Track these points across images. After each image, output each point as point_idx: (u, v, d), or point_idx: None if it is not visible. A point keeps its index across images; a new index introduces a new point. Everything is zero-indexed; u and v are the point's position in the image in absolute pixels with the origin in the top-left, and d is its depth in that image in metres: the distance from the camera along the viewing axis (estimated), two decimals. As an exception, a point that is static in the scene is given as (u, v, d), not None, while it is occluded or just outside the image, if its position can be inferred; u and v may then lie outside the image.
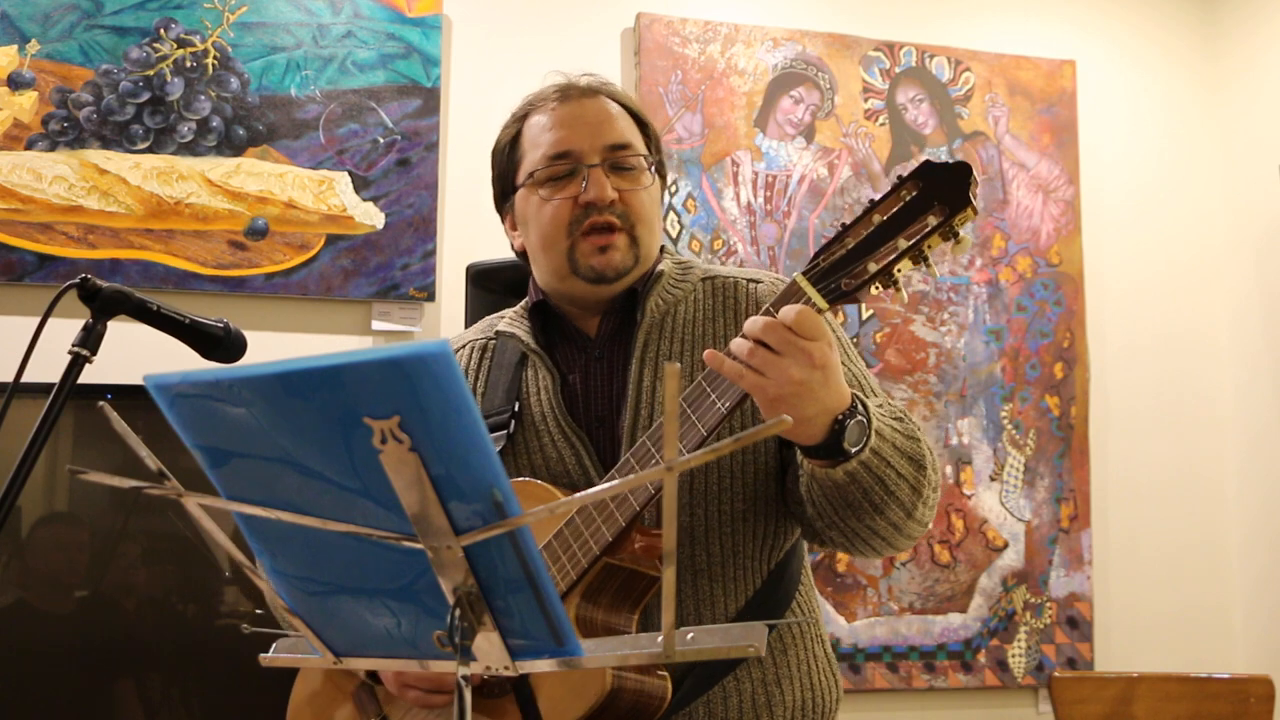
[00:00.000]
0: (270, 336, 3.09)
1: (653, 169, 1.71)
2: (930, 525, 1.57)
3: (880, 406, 1.52)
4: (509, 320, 1.79)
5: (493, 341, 1.80)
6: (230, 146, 3.14)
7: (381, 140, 3.23)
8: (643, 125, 1.74)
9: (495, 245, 3.11)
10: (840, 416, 1.39)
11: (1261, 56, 3.82)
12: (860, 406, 1.42)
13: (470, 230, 3.28)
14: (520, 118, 1.76)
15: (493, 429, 1.68)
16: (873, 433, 1.42)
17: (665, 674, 1.50)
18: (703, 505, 1.60)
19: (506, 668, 1.02)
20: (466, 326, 2.80)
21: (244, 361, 1.59)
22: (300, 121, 3.18)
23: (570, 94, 1.72)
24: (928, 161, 1.34)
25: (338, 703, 1.66)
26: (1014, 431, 3.60)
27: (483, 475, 0.92)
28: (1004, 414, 3.60)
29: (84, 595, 2.77)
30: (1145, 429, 3.76)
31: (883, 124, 3.61)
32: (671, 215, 3.41)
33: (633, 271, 1.67)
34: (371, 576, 1.03)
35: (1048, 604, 3.57)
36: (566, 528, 1.52)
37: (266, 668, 1.22)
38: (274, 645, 1.21)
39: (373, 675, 1.62)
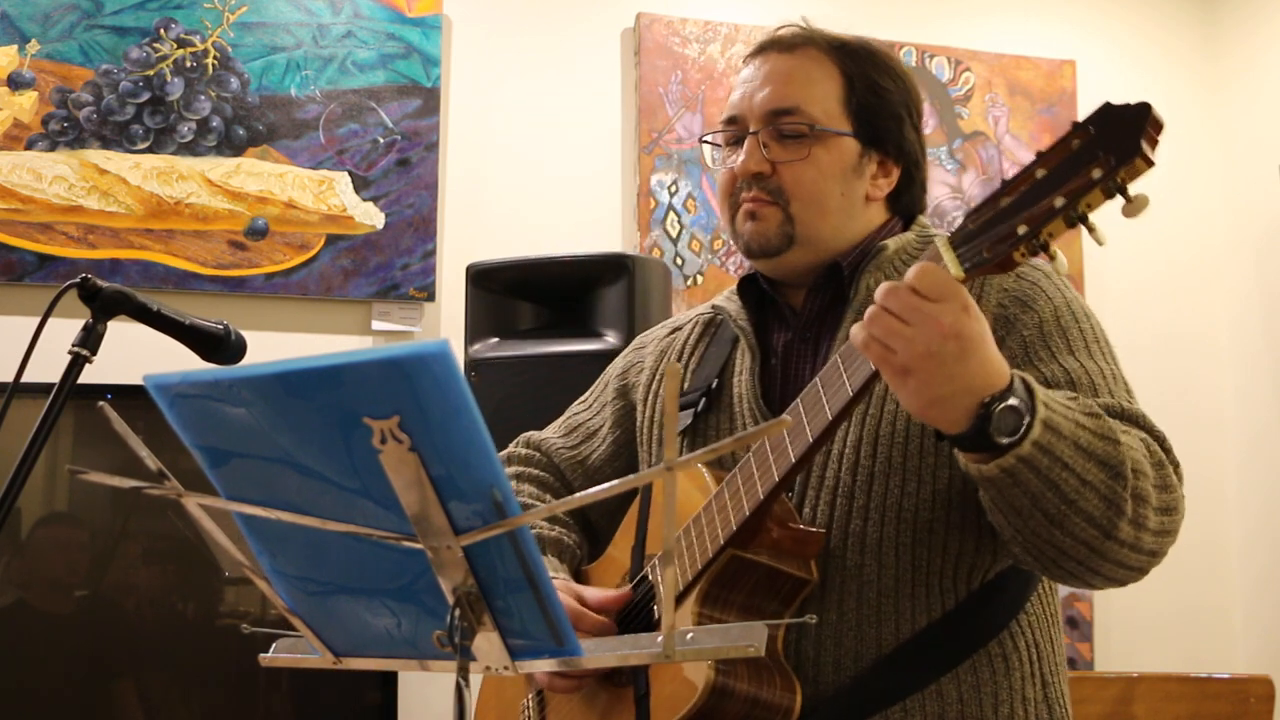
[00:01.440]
0: (270, 336, 3.09)
1: (857, 135, 1.53)
2: (1160, 552, 1.32)
3: (1074, 399, 1.27)
4: (728, 294, 1.64)
5: (719, 316, 1.66)
6: (230, 146, 3.14)
7: (381, 140, 3.23)
8: (851, 82, 1.55)
9: (495, 245, 3.12)
10: (987, 400, 1.18)
11: (1261, 56, 3.82)
12: (1022, 390, 1.20)
13: (470, 230, 3.28)
14: (744, 63, 1.61)
15: (686, 406, 1.57)
16: (1037, 423, 1.19)
17: (794, 690, 1.36)
18: (880, 512, 1.41)
19: (506, 668, 1.02)
20: (466, 327, 2.82)
21: (244, 362, 1.59)
22: (300, 121, 3.18)
23: (767, 48, 1.57)
24: (1107, 103, 1.14)
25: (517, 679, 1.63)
26: (1014, 431, 3.60)
27: (483, 475, 0.92)
28: (1004, 414, 3.59)
29: (84, 595, 2.77)
30: (1145, 429, 3.75)
31: (883, 124, 3.61)
32: (671, 215, 3.41)
33: (789, 253, 1.51)
34: (371, 576, 1.03)
35: (1048, 604, 3.57)
36: (703, 514, 1.39)
37: (266, 668, 1.21)
38: (274, 645, 1.21)
39: None
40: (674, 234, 3.41)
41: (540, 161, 3.38)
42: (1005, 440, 1.19)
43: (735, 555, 1.35)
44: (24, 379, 1.47)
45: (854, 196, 1.53)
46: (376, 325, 3.21)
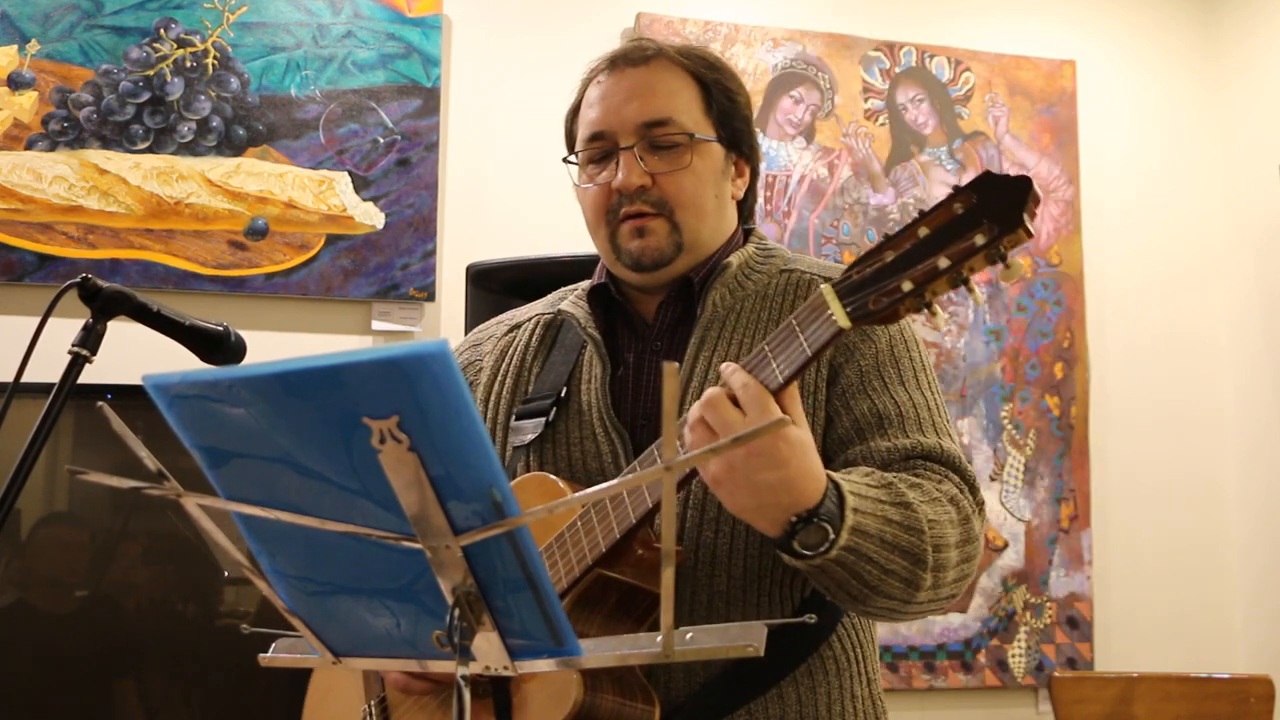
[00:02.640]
0: (270, 336, 3.09)
1: (721, 140, 1.58)
2: (956, 595, 1.43)
3: (887, 487, 1.37)
4: (574, 299, 1.67)
5: (560, 317, 1.69)
6: (230, 146, 3.14)
7: (381, 140, 3.23)
8: (708, 89, 1.59)
9: (495, 245, 3.12)
10: (793, 519, 1.28)
11: (1261, 56, 3.82)
12: (833, 504, 1.29)
13: (470, 230, 3.28)
14: (584, 83, 1.64)
15: (534, 414, 1.60)
16: (844, 533, 1.29)
17: (653, 702, 1.40)
18: (730, 526, 1.47)
19: (506, 667, 1.02)
20: (466, 327, 2.81)
21: (244, 362, 1.59)
22: (300, 121, 3.18)
23: (618, 63, 1.60)
24: (987, 172, 1.19)
25: (350, 679, 1.62)
26: (1014, 431, 3.60)
27: (482, 475, 0.92)
28: (1004, 414, 3.60)
29: (84, 595, 2.77)
30: (1145, 429, 3.76)
31: (883, 124, 3.61)
32: (671, 215, 3.41)
33: (677, 260, 1.56)
34: (371, 576, 1.03)
35: (1048, 604, 3.57)
36: (568, 532, 1.41)
37: (266, 668, 1.22)
38: (273, 645, 1.21)
39: None
40: (674, 234, 3.41)
41: (540, 161, 3.37)
42: (809, 553, 1.29)
43: (601, 574, 1.39)
44: (24, 379, 1.47)
45: (724, 198, 1.61)
46: (376, 325, 3.21)
